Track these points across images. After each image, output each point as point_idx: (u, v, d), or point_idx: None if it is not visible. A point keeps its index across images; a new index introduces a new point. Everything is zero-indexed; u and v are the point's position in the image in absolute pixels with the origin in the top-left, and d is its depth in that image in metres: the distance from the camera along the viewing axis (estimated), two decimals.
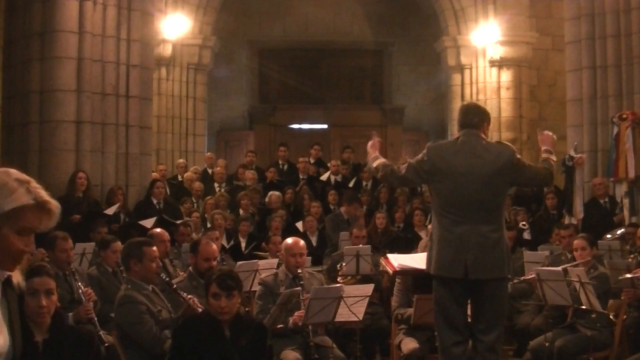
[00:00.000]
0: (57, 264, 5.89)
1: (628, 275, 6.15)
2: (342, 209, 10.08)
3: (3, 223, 2.11)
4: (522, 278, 6.89)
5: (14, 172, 2.20)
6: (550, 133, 5.37)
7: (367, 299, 5.58)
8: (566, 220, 9.49)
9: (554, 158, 5.16)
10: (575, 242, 6.70)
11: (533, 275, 6.34)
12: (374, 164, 5.22)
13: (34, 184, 2.19)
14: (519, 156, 4.97)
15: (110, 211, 8.94)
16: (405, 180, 5.19)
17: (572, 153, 9.81)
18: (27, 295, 3.95)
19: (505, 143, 5.11)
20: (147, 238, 5.89)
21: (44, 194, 2.19)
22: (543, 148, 5.24)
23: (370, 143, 5.39)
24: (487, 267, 4.74)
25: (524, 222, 9.71)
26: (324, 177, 12.15)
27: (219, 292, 4.27)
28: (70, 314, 5.33)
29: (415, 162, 4.96)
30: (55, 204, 2.22)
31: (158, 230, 6.95)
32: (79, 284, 5.68)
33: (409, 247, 8.55)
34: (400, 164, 5.23)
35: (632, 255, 7.31)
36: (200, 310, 4.78)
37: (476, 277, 4.71)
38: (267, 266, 6.91)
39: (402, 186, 10.06)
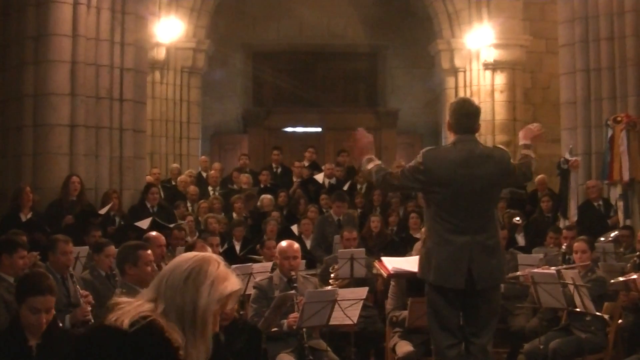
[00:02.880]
0: (56, 267, 5.87)
1: (621, 279, 6.16)
2: (332, 211, 10.07)
3: (220, 304, 2.27)
4: (511, 275, 6.88)
5: (218, 258, 2.36)
6: (534, 126, 5.10)
7: (361, 302, 5.57)
8: (561, 223, 9.49)
9: (532, 154, 4.91)
10: (576, 244, 6.63)
11: (524, 273, 6.34)
12: (368, 167, 4.84)
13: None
14: (512, 161, 4.87)
15: (102, 211, 8.92)
16: (400, 188, 5.06)
17: (568, 156, 9.82)
18: (25, 310, 3.94)
19: (501, 147, 5.03)
20: (143, 242, 5.87)
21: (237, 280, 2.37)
22: (521, 143, 5.03)
23: (362, 142, 4.89)
24: (490, 276, 4.68)
25: (517, 218, 9.66)
26: (318, 177, 12.12)
27: None
28: (68, 315, 5.33)
29: (410, 170, 4.71)
30: (240, 291, 2.42)
31: (154, 234, 6.90)
32: (77, 286, 5.65)
33: (403, 250, 8.55)
34: (395, 167, 5.03)
35: (634, 257, 7.22)
36: None
37: (482, 287, 4.65)
38: (261, 270, 6.89)
39: (396, 191, 9.92)
